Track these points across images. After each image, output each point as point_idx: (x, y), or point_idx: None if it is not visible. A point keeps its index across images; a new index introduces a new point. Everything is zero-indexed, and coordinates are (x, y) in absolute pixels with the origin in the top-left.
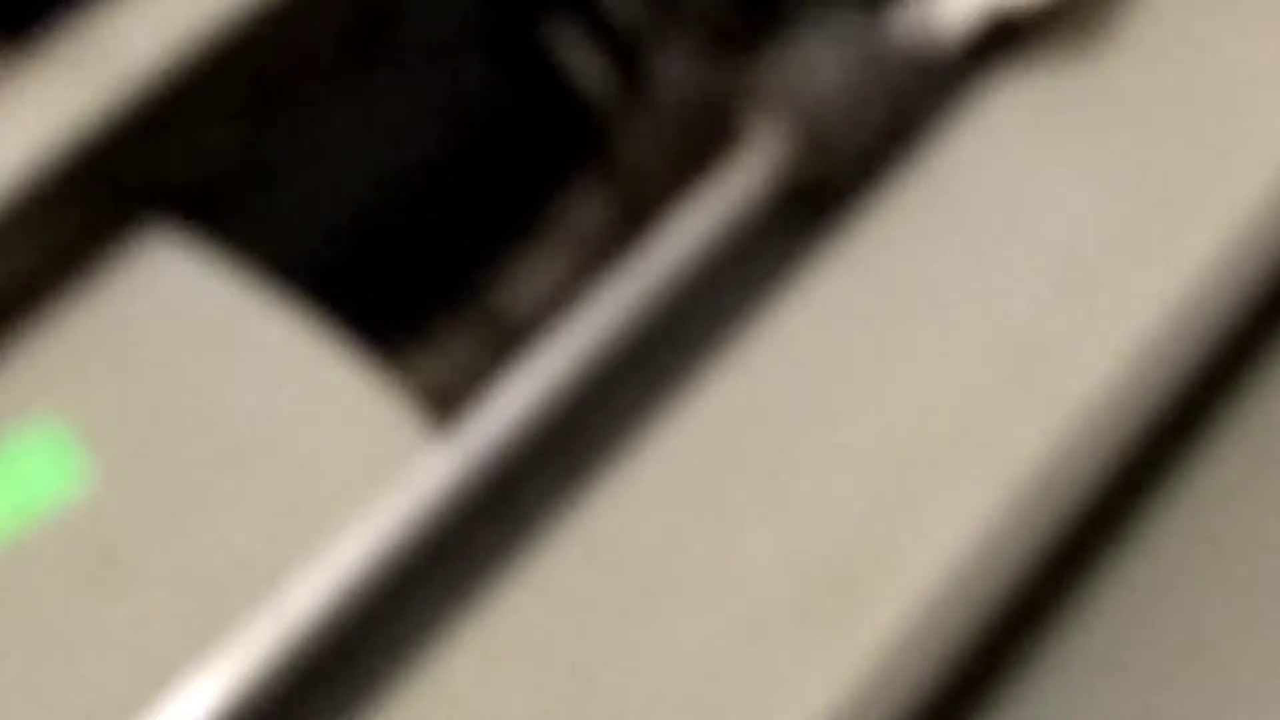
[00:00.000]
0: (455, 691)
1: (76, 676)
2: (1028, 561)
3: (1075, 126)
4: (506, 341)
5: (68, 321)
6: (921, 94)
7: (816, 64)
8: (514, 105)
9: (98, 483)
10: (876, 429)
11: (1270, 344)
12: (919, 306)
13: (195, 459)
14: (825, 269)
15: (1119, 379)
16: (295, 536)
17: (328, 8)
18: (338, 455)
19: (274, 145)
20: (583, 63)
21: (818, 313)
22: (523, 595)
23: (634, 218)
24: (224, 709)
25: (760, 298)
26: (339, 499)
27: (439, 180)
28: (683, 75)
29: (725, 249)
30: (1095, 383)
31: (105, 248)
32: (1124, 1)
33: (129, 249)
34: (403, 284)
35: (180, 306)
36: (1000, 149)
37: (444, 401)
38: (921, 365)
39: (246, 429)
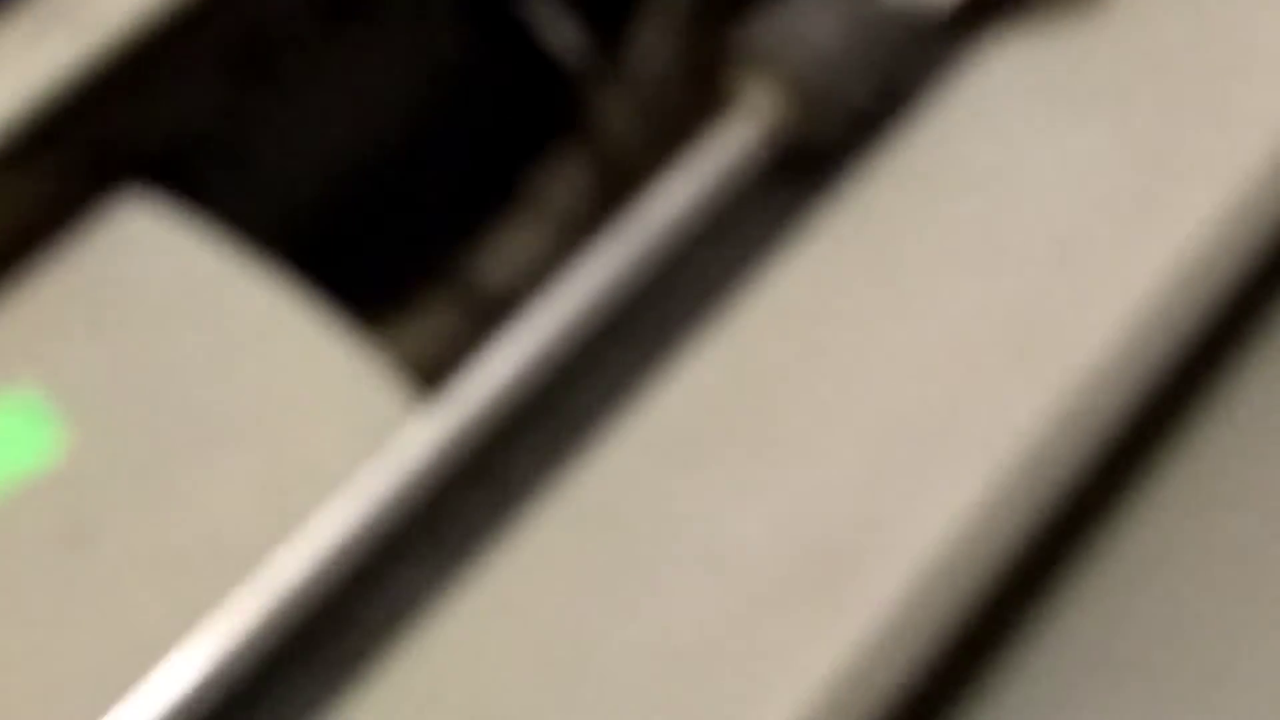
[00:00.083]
0: (442, 663)
1: (48, 644)
2: (1023, 536)
3: (1072, 90)
4: (483, 312)
5: (41, 287)
6: (915, 55)
7: (809, 24)
8: (491, 74)
9: (72, 450)
10: (869, 400)
11: (1275, 312)
12: (912, 274)
13: (173, 427)
14: (816, 235)
15: (1118, 348)
16: (277, 505)
17: None
18: (320, 423)
19: (249, 111)
20: (561, 31)
21: (808, 280)
22: (509, 567)
23: (612, 189)
24: (203, 681)
25: (749, 264)
26: (322, 467)
27: (415, 150)
28: (663, 44)
29: (714, 213)
30: (1093, 353)
31: (79, 213)
32: None
33: (104, 214)
34: (379, 254)
35: (157, 273)
36: (996, 112)
37: (421, 371)
38: (915, 334)
39: (225, 396)
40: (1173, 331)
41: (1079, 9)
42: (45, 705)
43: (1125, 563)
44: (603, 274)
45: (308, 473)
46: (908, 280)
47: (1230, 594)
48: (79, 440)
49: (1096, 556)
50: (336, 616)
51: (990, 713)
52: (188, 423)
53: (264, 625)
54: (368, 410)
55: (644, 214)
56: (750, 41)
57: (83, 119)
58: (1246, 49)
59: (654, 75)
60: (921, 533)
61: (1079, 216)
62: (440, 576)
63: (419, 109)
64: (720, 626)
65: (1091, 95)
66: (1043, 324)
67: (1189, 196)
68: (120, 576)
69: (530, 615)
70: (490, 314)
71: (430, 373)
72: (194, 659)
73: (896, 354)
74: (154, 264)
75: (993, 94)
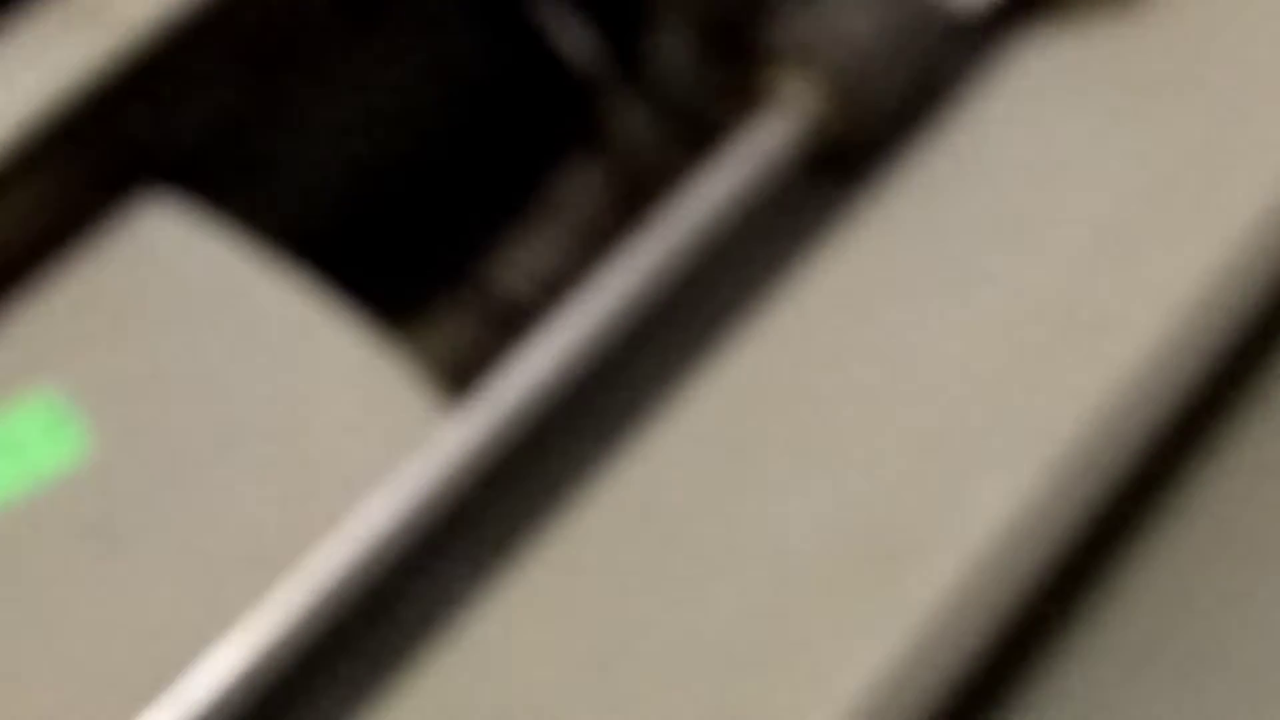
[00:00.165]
0: (483, 659)
1: (79, 644)
2: (1072, 528)
3: (1110, 86)
4: (501, 319)
5: (64, 288)
6: (952, 52)
7: (847, 20)
8: (507, 80)
9: (96, 451)
10: (918, 391)
11: None
12: (955, 269)
13: (200, 428)
14: (857, 229)
15: (1162, 342)
16: (305, 506)
17: None
18: (348, 424)
19: (268, 115)
20: (576, 38)
21: (851, 274)
22: (554, 560)
23: (629, 194)
24: (228, 682)
25: (789, 260)
26: (350, 468)
27: (432, 156)
28: (681, 49)
29: (751, 209)
30: (1138, 346)
31: (101, 214)
32: None
33: (126, 216)
34: (396, 260)
35: (180, 274)
36: (1033, 108)
37: (441, 376)
38: (960, 328)
39: (251, 398)
40: (1218, 323)
41: (1115, 5)
42: (76, 705)
43: (1174, 554)
44: (639, 272)
45: (336, 474)
46: (952, 273)
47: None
48: (106, 441)
49: (1146, 548)
50: (371, 614)
51: (1043, 702)
52: (214, 424)
53: (294, 625)
54: (396, 412)
55: (679, 211)
56: (787, 38)
57: (105, 119)
58: None
59: (672, 79)
60: (972, 524)
61: (1120, 209)
62: (481, 571)
63: (436, 115)
64: (771, 619)
65: (1129, 90)
66: (1089, 314)
67: (1230, 192)
68: (149, 577)
69: (576, 608)
70: (508, 320)
71: (448, 378)
72: (223, 659)
73: (944, 346)
74: (177, 265)
75: (1030, 90)
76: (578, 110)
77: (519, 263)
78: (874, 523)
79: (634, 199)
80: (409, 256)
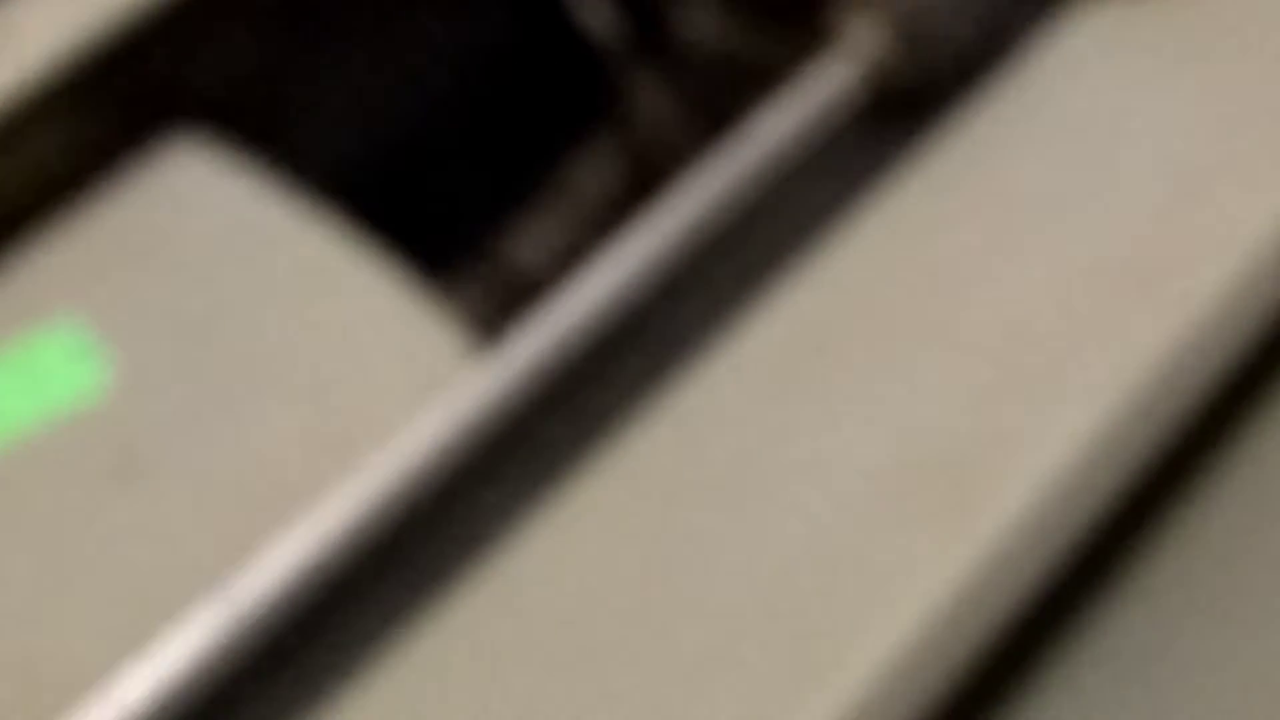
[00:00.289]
0: (534, 586)
1: (97, 575)
2: (1137, 462)
3: (1177, 39)
4: (515, 293)
5: (92, 224)
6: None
7: None
8: (528, 54)
9: (120, 384)
10: (984, 324)
11: None
12: (1020, 212)
13: (222, 365)
14: (924, 169)
15: (1229, 290)
16: (326, 446)
17: None
18: (373, 365)
19: (291, 68)
20: (598, 12)
21: (918, 212)
22: (614, 485)
23: (646, 173)
24: (246, 619)
25: (854, 200)
26: (374, 410)
27: (450, 127)
28: (711, 21)
29: (814, 148)
30: (1206, 285)
31: (132, 154)
32: None
33: (156, 155)
34: (411, 229)
35: (207, 211)
36: (1103, 60)
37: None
38: (1031, 267)
39: (276, 335)
40: None
41: None
42: (95, 638)
43: (1244, 493)
44: (693, 211)
45: (362, 413)
46: (1018, 217)
47: None
48: (130, 375)
49: (1211, 485)
50: (397, 549)
51: (1106, 639)
52: (238, 360)
53: (314, 563)
54: (425, 352)
55: (739, 151)
56: None
57: (137, 61)
58: None
59: (696, 61)
60: (1043, 452)
61: (1185, 161)
62: (535, 496)
63: (455, 86)
64: (831, 547)
65: (1196, 44)
66: (1155, 259)
67: None
68: (167, 511)
69: (636, 532)
70: (521, 294)
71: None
72: (241, 596)
73: (1012, 282)
74: (206, 203)
75: (1100, 42)
76: (598, 86)
77: (534, 238)
78: (946, 443)
79: (652, 176)
80: (424, 226)
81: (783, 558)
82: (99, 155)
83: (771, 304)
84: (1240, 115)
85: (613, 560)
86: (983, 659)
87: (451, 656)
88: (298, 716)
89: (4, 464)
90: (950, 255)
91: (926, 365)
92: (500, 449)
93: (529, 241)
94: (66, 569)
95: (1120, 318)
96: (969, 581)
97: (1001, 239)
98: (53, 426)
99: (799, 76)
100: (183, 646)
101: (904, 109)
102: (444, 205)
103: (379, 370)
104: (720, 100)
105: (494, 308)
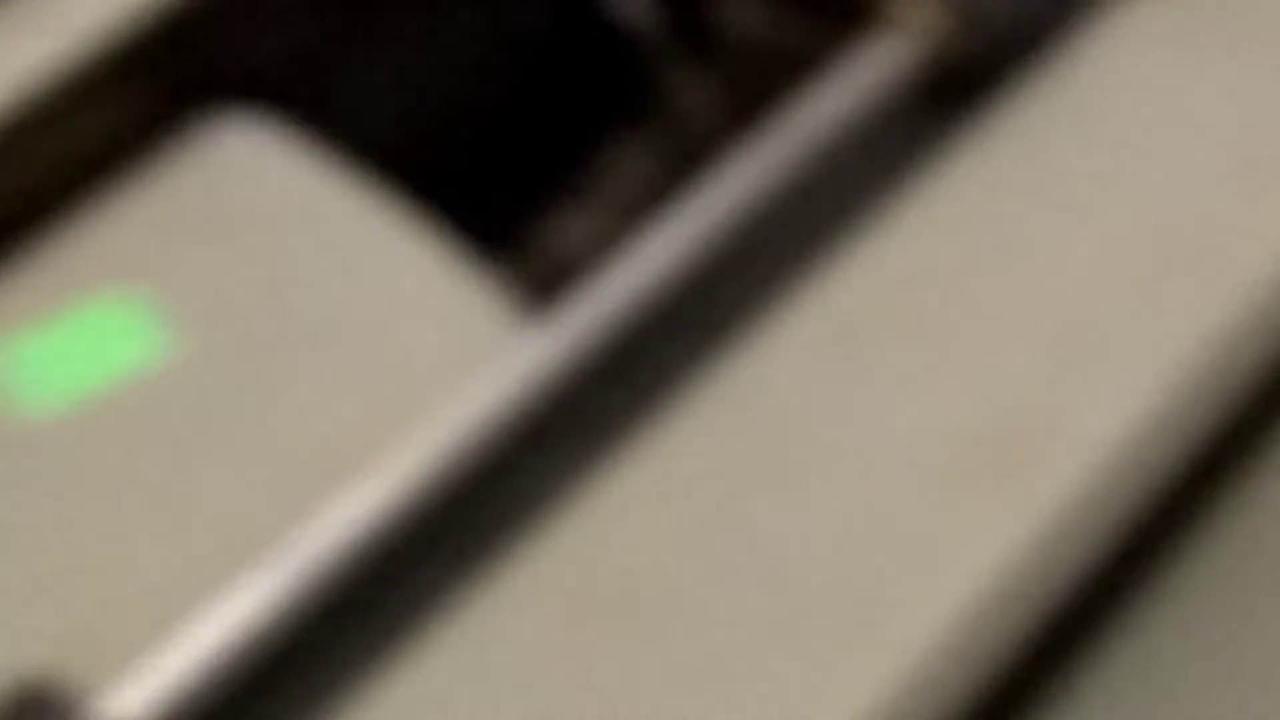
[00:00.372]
0: (588, 553)
1: (153, 541)
2: (1190, 441)
3: (1235, 21)
4: (557, 281)
5: (146, 198)
6: None
7: None
8: (565, 46)
9: (172, 354)
10: (1038, 301)
11: None
12: (1072, 191)
13: (272, 335)
14: (979, 147)
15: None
16: (376, 415)
17: None
18: (422, 336)
19: (337, 50)
20: (636, 5)
21: (972, 190)
22: (666, 457)
23: (690, 164)
24: (299, 587)
25: (909, 177)
26: (423, 380)
27: (493, 116)
28: (750, 20)
29: (864, 126)
30: (1266, 266)
31: (184, 128)
32: None
33: (207, 130)
34: (454, 216)
35: (259, 184)
36: (1156, 41)
37: None
38: (1084, 246)
39: (326, 306)
40: None
41: None
42: (154, 600)
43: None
44: (745, 186)
45: (411, 384)
46: (1075, 194)
47: None
48: (182, 345)
49: (1270, 471)
50: (446, 517)
51: (1156, 622)
52: (291, 331)
53: (364, 530)
54: (474, 324)
55: (791, 126)
56: None
57: (186, 36)
58: None
59: (742, 39)
60: (1096, 429)
61: (1243, 141)
62: (586, 467)
63: (493, 77)
64: (886, 518)
65: (1253, 27)
66: (1210, 237)
67: None
68: (218, 480)
69: (685, 503)
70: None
71: None
72: (298, 560)
73: (1065, 261)
74: (258, 178)
75: (1149, 22)
76: (640, 76)
77: (578, 225)
78: (1001, 418)
79: (696, 165)
80: (467, 211)
81: (834, 534)
82: (149, 131)
83: (825, 282)
84: None
85: (663, 533)
86: (1033, 637)
87: (499, 626)
88: (348, 684)
89: (63, 432)
90: (1003, 234)
91: (979, 342)
92: (551, 419)
93: (572, 228)
94: (127, 535)
95: (1173, 296)
96: (1022, 557)
97: (1055, 218)
98: (109, 394)
99: (847, 58)
100: (241, 608)
101: (957, 90)
102: (486, 191)
103: (429, 341)
104: (761, 88)
105: (536, 293)
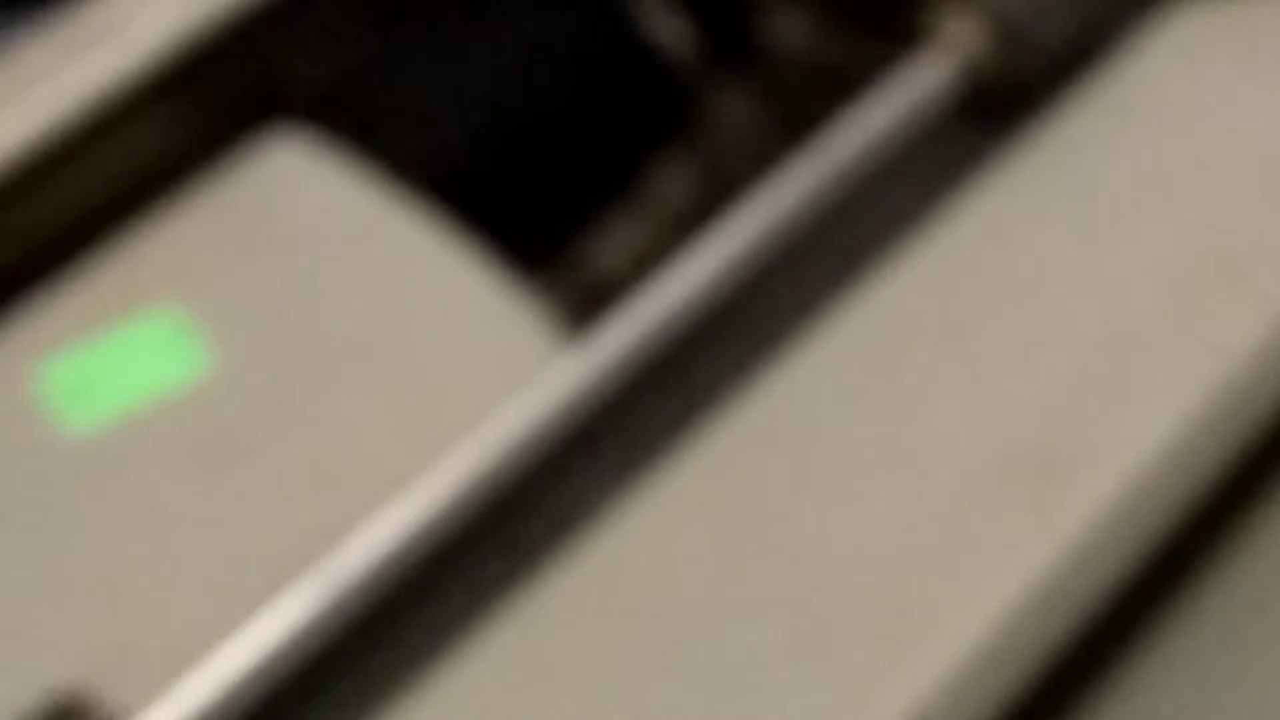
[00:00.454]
0: (625, 566)
1: (189, 559)
2: (1226, 460)
3: (1269, 40)
4: (598, 299)
5: (196, 214)
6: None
7: None
8: (604, 67)
9: (215, 369)
10: (1075, 317)
11: None
12: (1114, 210)
13: (316, 352)
14: (1017, 166)
15: None
16: (418, 433)
17: None
18: (466, 355)
19: (385, 71)
20: (673, 26)
21: (1011, 209)
22: (701, 470)
23: (732, 183)
24: (335, 608)
25: (945, 193)
26: (465, 398)
27: (539, 134)
28: (794, 39)
29: (907, 144)
30: None
31: (236, 146)
32: None
33: (259, 148)
34: (497, 235)
35: (306, 204)
36: (1198, 59)
37: None
38: (1124, 265)
39: (370, 325)
40: None
41: None
42: (192, 615)
43: None
44: (787, 203)
45: (453, 403)
46: (1115, 211)
47: None
48: (226, 361)
49: None
50: (486, 534)
51: (1188, 636)
52: (335, 348)
53: (403, 546)
54: (515, 344)
55: (832, 145)
56: None
57: (240, 54)
58: None
59: (783, 75)
60: (1133, 447)
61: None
62: (625, 482)
63: (535, 97)
64: (920, 532)
65: None
66: (1248, 258)
67: None
68: (265, 494)
69: (722, 518)
70: (596, 301)
71: None
72: (338, 575)
73: (1105, 280)
74: (306, 196)
75: (1191, 40)
76: (682, 95)
77: (619, 243)
78: (1033, 435)
79: (738, 183)
80: (510, 229)
81: (868, 551)
82: (202, 148)
83: (865, 299)
84: None
85: (702, 550)
86: (1061, 656)
87: (539, 642)
88: (384, 706)
89: (107, 445)
90: (1042, 255)
91: (1015, 362)
92: (592, 436)
93: (613, 247)
94: (165, 549)
95: (1213, 316)
96: (1052, 577)
97: (1095, 236)
98: (153, 410)
99: (889, 76)
100: (277, 626)
101: (998, 107)
102: (529, 210)
103: (473, 359)
104: (801, 107)
105: (578, 310)
